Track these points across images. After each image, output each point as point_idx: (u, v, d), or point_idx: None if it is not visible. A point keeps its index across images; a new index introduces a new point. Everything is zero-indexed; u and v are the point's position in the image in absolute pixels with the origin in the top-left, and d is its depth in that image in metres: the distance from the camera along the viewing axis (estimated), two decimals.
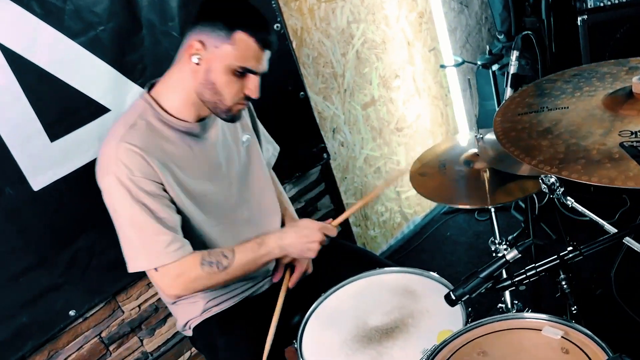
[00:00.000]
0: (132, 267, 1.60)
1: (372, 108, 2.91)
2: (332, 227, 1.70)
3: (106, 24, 1.85)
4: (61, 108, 1.82)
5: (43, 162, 1.82)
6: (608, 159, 0.95)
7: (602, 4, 2.59)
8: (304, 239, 1.63)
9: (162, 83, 1.64)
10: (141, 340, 2.25)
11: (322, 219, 2.77)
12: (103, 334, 2.14)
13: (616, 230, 1.31)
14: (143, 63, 1.96)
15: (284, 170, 2.50)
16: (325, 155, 2.62)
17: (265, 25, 1.57)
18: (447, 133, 3.34)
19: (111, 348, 2.17)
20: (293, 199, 2.68)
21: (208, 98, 1.58)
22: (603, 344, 1.10)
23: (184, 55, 1.56)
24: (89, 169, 1.83)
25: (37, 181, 1.82)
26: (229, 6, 1.55)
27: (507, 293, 1.87)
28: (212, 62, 1.52)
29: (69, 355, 2.06)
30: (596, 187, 2.88)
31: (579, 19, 2.59)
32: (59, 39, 1.77)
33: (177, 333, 2.34)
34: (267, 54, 1.56)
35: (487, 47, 2.65)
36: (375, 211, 3.07)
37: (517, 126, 1.12)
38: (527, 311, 1.60)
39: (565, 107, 1.12)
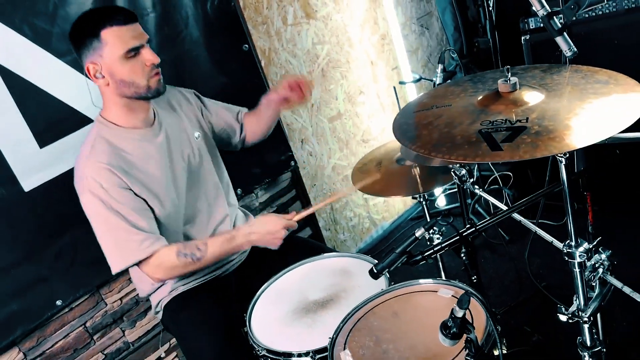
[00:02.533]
0: (114, 268, 1.82)
1: (339, 121, 3.16)
2: (294, 222, 1.91)
3: None
4: (50, 118, 2.05)
5: (33, 166, 2.04)
6: (467, 142, 1.19)
7: (542, 25, 2.84)
8: (269, 235, 1.85)
9: (104, 106, 1.89)
10: (123, 331, 2.44)
11: None
12: (87, 324, 2.32)
13: (506, 209, 1.55)
14: None
15: (254, 176, 2.73)
16: (292, 163, 2.85)
17: (110, 10, 1.78)
18: None
19: (95, 337, 2.36)
20: (265, 204, 2.90)
21: (129, 91, 1.79)
22: (478, 295, 1.33)
23: (92, 81, 1.79)
24: None
25: (28, 183, 2.04)
26: (80, 25, 1.76)
27: (442, 271, 2.08)
28: (109, 68, 1.74)
29: (56, 342, 2.24)
30: (548, 194, 3.13)
31: (523, 38, 2.85)
32: (48, 58, 2.03)
33: (156, 325, 2.52)
34: (135, 25, 1.75)
35: (441, 65, 2.91)
36: (344, 216, 3.30)
37: (409, 121, 1.37)
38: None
39: (448, 105, 1.37)
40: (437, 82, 2.12)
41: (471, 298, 1.18)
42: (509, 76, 1.30)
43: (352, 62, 3.15)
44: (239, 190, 2.61)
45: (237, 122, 2.21)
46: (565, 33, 1.30)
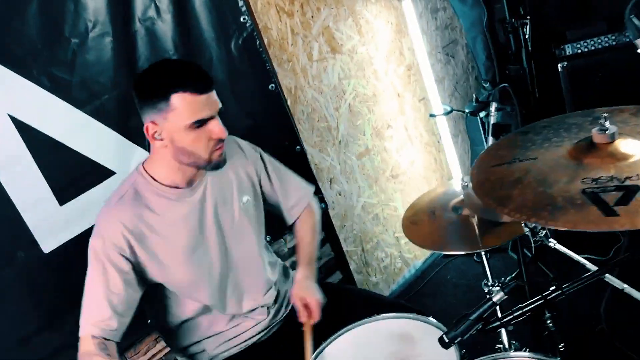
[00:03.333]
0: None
1: (367, 157, 3.02)
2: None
3: (110, 93, 1.97)
4: (69, 173, 1.91)
5: (53, 225, 1.89)
6: (572, 204, 1.04)
7: (579, 51, 2.72)
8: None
9: (150, 158, 1.74)
10: None
11: (323, 266, 2.85)
12: None
13: (596, 268, 1.38)
14: None
15: (283, 221, 2.58)
16: (322, 205, 2.70)
17: (188, 73, 1.59)
18: (442, 178, 3.44)
19: None
20: (293, 250, 2.74)
21: (187, 161, 1.65)
22: None
23: (149, 138, 1.65)
24: None
25: (48, 244, 1.89)
26: (150, 80, 1.61)
27: (503, 333, 1.92)
28: (171, 133, 1.59)
29: None
30: None
31: (559, 65, 2.73)
32: (67, 109, 1.88)
33: None
34: (209, 94, 1.59)
35: (474, 95, 2.77)
36: (375, 257, 3.13)
37: (490, 177, 1.21)
38: (525, 350, 1.65)
39: (534, 158, 1.22)
40: (492, 122, 1.98)
41: None
42: (607, 125, 1.14)
43: (379, 96, 3.02)
44: (267, 237, 2.45)
45: (288, 215, 2.06)
46: None
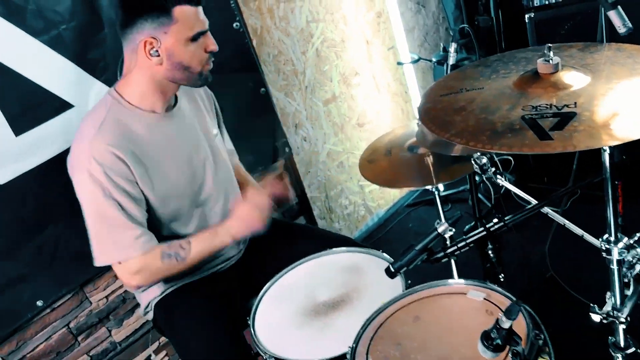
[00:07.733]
0: (101, 260, 1.70)
1: (334, 104, 3.01)
2: (264, 202, 1.80)
3: (68, 23, 1.92)
4: (25, 103, 1.87)
5: (9, 156, 1.86)
6: (510, 130, 1.06)
7: (547, 2, 2.73)
8: (247, 225, 1.76)
9: (125, 81, 1.72)
10: (109, 331, 2.30)
11: (287, 211, 2.88)
12: (71, 324, 2.18)
13: (536, 202, 1.42)
14: (105, 61, 2.02)
15: (247, 164, 2.57)
16: (287, 149, 2.70)
17: None
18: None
19: (80, 338, 2.21)
20: None
21: (180, 77, 1.69)
22: (526, 307, 1.21)
23: (138, 56, 1.64)
24: (55, 162, 1.93)
25: (3, 175, 1.87)
26: None
27: (454, 270, 1.97)
28: (170, 47, 1.61)
29: (38, 345, 2.09)
30: (549, 178, 3.03)
31: (527, 16, 2.73)
32: (22, 37, 1.83)
33: (145, 323, 2.39)
34: (201, 8, 1.65)
35: (442, 44, 2.77)
36: (339, 204, 3.16)
37: (437, 106, 1.23)
38: None
39: (481, 88, 1.24)
40: (451, 63, 1.99)
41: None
42: (551, 55, 1.16)
43: (347, 41, 2.99)
44: None
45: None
46: (619, 7, 1.16)
